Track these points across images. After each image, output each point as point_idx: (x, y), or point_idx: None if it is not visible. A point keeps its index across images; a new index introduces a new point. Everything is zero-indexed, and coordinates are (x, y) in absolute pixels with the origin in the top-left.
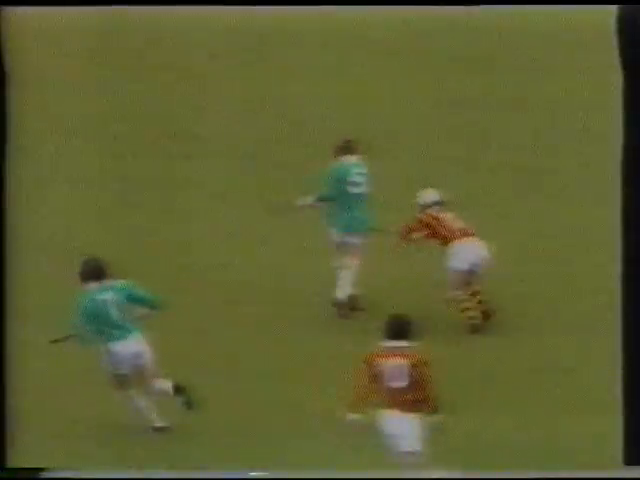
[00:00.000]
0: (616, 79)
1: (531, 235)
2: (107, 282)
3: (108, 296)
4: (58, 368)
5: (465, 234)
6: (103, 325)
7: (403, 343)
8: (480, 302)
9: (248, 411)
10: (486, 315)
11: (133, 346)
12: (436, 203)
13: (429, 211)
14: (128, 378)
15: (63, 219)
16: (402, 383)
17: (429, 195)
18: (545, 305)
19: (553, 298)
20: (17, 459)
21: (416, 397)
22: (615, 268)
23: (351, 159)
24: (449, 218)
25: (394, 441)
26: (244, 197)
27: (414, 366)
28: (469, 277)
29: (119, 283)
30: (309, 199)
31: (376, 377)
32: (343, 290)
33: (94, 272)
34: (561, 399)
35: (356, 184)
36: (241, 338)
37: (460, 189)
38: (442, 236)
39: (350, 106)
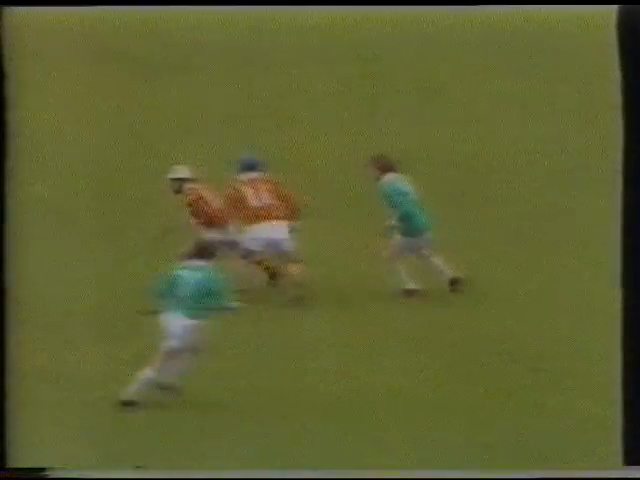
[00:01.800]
0: (616, 79)
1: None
2: (202, 263)
3: (187, 274)
4: (59, 368)
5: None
6: (171, 296)
7: None
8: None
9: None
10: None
11: (182, 322)
12: (187, 179)
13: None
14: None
15: (65, 215)
16: None
17: (178, 171)
18: (545, 303)
19: (553, 295)
20: (17, 459)
21: None
22: (615, 270)
23: (394, 175)
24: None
25: None
26: None
27: None
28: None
29: (209, 269)
30: (392, 220)
31: None
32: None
33: (199, 252)
34: (561, 400)
35: (408, 194)
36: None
37: (459, 187)
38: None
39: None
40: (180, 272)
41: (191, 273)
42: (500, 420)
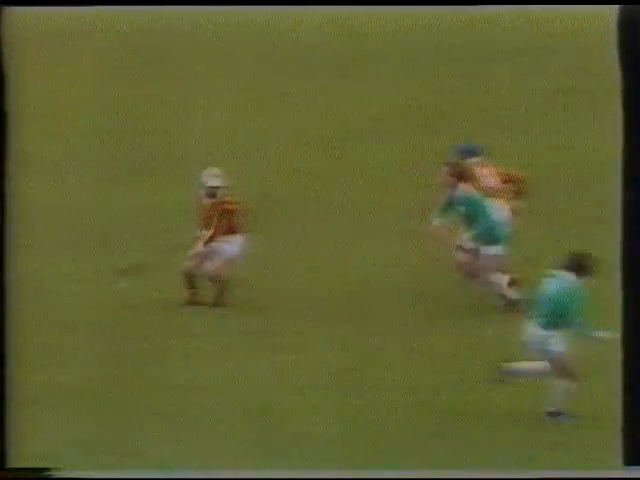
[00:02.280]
0: (616, 79)
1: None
2: (568, 275)
3: (548, 282)
4: (59, 368)
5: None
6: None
7: None
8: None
9: None
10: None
11: (536, 331)
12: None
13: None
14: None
15: (66, 216)
16: None
17: (216, 177)
18: None
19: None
20: (17, 459)
21: None
22: (615, 274)
23: (466, 186)
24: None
25: None
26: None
27: None
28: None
29: (571, 283)
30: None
31: None
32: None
33: (575, 264)
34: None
35: (487, 202)
36: None
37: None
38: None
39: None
40: (546, 280)
41: (552, 282)
42: (500, 420)
